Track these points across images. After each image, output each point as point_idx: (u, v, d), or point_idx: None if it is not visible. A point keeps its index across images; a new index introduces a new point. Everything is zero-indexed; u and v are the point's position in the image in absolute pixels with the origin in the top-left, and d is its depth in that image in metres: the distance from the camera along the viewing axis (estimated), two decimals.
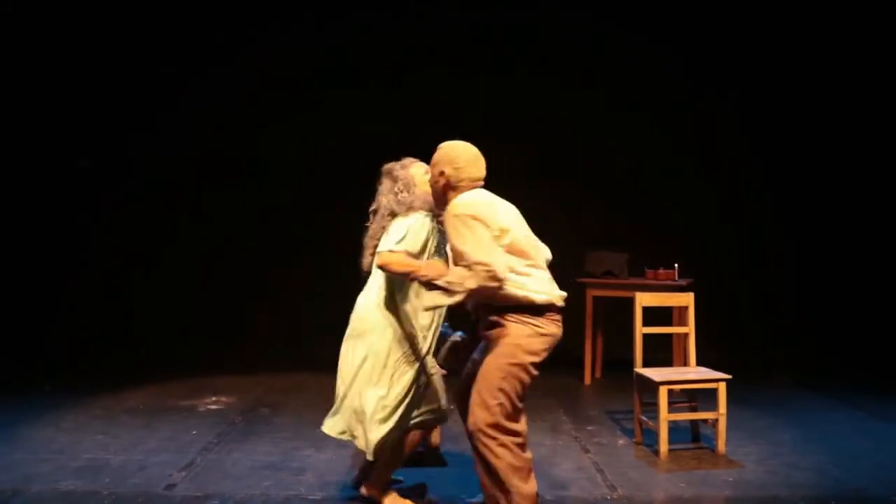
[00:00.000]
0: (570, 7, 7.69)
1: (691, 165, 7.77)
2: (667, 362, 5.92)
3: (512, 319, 3.57)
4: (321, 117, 7.72)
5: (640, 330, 5.13)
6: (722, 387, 4.86)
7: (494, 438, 3.52)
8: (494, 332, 3.63)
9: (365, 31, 7.81)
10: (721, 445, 4.88)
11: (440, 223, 3.82)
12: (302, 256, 7.68)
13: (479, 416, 3.53)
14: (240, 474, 4.54)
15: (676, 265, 6.53)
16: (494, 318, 3.62)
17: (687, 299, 5.25)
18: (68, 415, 5.77)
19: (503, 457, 3.53)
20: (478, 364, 3.69)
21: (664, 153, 7.72)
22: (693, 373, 5.03)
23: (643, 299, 5.21)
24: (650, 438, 5.04)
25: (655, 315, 5.40)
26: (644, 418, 5.09)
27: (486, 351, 3.67)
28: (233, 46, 7.83)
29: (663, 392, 4.82)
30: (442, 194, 3.72)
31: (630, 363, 5.17)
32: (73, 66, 7.76)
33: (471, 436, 3.59)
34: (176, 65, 7.80)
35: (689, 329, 5.18)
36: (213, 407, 6.09)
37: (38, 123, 7.80)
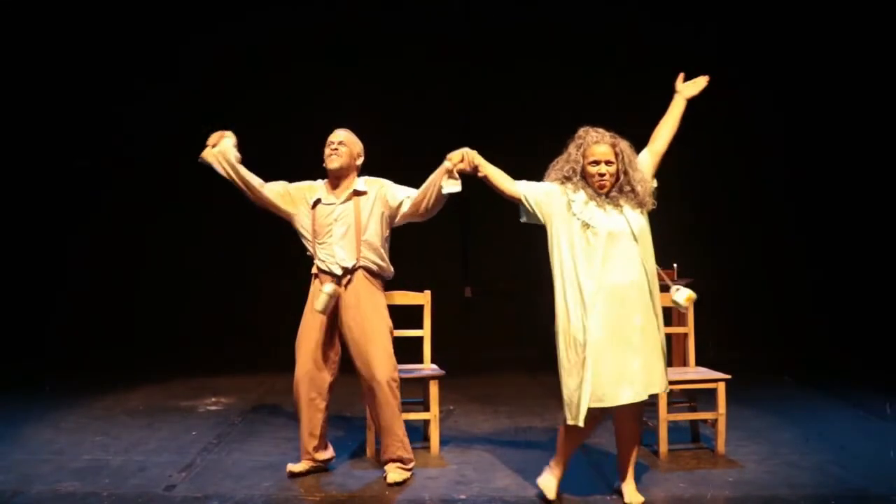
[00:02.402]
0: (570, 5, 7.70)
1: (691, 164, 7.76)
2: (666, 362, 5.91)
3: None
4: (320, 115, 7.70)
5: None
6: (721, 387, 4.86)
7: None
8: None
9: (362, 21, 7.81)
10: (721, 445, 4.88)
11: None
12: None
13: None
14: (240, 475, 4.54)
15: (676, 265, 6.53)
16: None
17: None
18: (68, 415, 5.78)
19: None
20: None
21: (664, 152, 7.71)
22: (693, 373, 5.03)
23: None
24: (650, 438, 5.04)
25: None
26: (644, 418, 5.08)
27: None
28: (231, 44, 7.84)
29: (663, 392, 4.80)
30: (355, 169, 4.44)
31: None
32: (73, 67, 7.78)
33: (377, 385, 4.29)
34: (174, 64, 7.81)
35: (689, 329, 5.18)
36: (213, 407, 6.09)
37: (38, 124, 7.81)
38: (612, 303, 3.86)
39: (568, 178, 3.99)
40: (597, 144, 3.96)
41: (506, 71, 7.88)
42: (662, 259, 6.50)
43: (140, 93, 7.86)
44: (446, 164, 4.21)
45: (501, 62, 7.94)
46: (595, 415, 3.94)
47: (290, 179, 4.61)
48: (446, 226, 7.71)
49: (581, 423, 3.88)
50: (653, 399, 4.08)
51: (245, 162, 4.67)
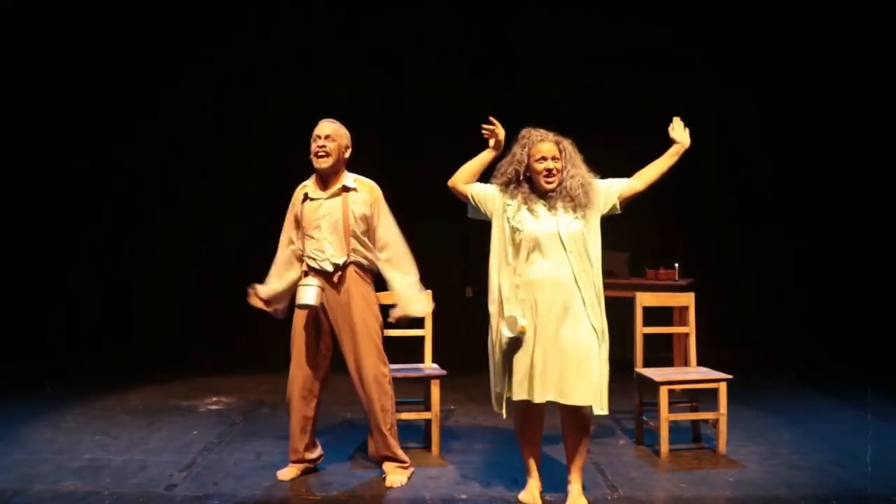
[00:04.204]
0: (568, 5, 7.70)
1: (692, 164, 7.75)
2: (667, 362, 5.92)
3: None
4: (318, 114, 7.72)
5: (640, 330, 5.14)
6: (723, 387, 4.86)
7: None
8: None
9: (351, 29, 7.80)
10: (722, 445, 4.88)
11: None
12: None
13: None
14: (240, 474, 4.54)
15: (677, 265, 6.54)
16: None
17: (687, 299, 5.26)
18: (69, 415, 5.77)
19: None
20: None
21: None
22: (694, 373, 5.03)
23: (644, 299, 5.22)
24: (651, 438, 5.04)
25: (656, 315, 5.40)
26: (645, 418, 5.09)
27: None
28: (225, 46, 7.83)
29: (664, 392, 4.82)
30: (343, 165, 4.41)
31: (631, 363, 5.17)
32: (73, 67, 7.77)
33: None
34: (173, 64, 7.81)
35: (690, 329, 5.18)
36: (214, 407, 6.09)
37: (38, 124, 7.80)
38: (532, 305, 3.90)
39: (509, 182, 4.02)
40: (542, 142, 4.00)
41: (506, 78, 7.87)
42: (663, 259, 6.57)
43: (141, 92, 7.85)
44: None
45: (500, 69, 7.93)
46: (524, 409, 3.99)
47: (289, 185, 4.56)
48: (447, 225, 7.72)
49: (502, 413, 4.00)
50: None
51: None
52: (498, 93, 7.81)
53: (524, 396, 3.90)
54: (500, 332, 3.93)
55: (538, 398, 3.89)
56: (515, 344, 3.90)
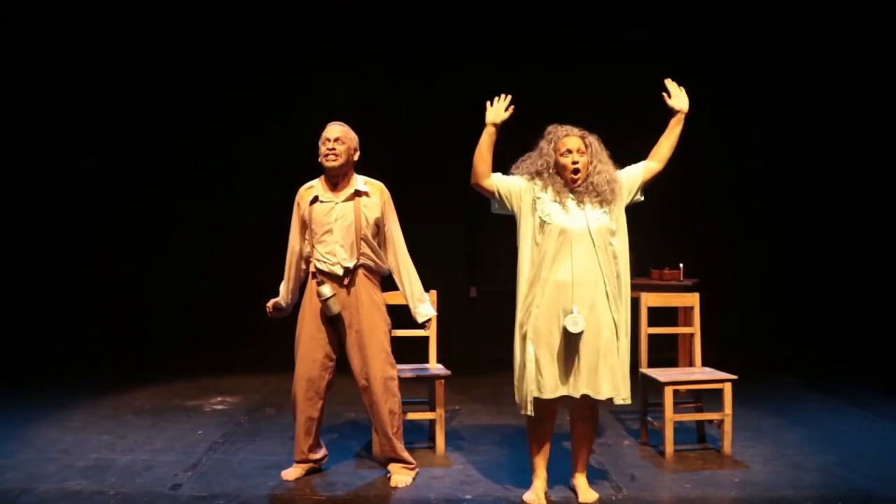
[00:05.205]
0: (568, 6, 7.70)
1: (696, 164, 7.75)
2: (672, 363, 5.92)
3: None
4: (327, 117, 7.72)
5: (645, 330, 5.14)
6: (728, 387, 4.85)
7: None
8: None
9: (356, 36, 7.82)
10: (727, 446, 4.88)
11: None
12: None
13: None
14: (245, 474, 4.55)
15: (682, 265, 6.53)
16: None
17: (692, 299, 5.25)
18: (75, 415, 5.79)
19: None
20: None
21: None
22: (699, 373, 5.03)
23: (648, 299, 5.21)
24: (655, 439, 5.04)
25: (661, 315, 5.40)
26: (649, 419, 5.09)
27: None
28: (230, 50, 7.85)
29: (669, 392, 4.82)
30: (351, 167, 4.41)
31: (635, 363, 5.16)
32: (78, 67, 7.80)
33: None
34: (177, 65, 7.83)
35: (695, 329, 5.18)
36: (219, 407, 6.11)
37: (43, 123, 7.83)
38: (557, 299, 3.92)
39: (539, 174, 4.05)
40: (567, 137, 4.05)
41: (506, 79, 7.86)
42: (668, 259, 6.56)
43: (145, 93, 7.88)
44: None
45: (502, 71, 7.93)
46: (543, 407, 3.99)
47: (295, 189, 4.57)
48: (452, 225, 7.74)
49: (528, 412, 3.97)
50: (623, 405, 4.06)
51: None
52: (498, 93, 7.82)
53: (562, 392, 3.92)
54: (545, 329, 3.92)
55: (575, 392, 3.93)
56: (575, 339, 3.89)
